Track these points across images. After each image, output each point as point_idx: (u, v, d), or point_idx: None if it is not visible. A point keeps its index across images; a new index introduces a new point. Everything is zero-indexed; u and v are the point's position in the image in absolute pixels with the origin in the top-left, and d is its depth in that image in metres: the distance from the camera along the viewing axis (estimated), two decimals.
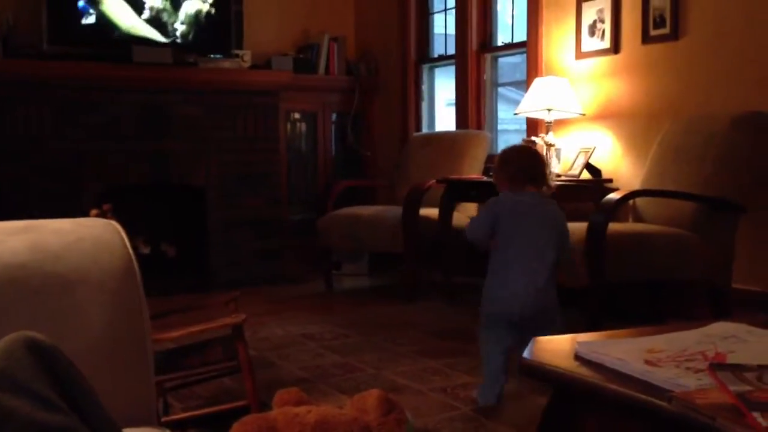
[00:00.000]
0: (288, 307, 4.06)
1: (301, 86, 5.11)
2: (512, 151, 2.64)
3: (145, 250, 4.54)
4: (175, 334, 2.05)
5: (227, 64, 4.69)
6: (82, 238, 1.28)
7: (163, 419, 2.16)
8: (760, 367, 1.06)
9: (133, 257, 1.30)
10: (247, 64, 4.77)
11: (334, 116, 5.48)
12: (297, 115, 5.36)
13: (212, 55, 4.70)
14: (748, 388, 0.98)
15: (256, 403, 2.14)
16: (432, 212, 4.12)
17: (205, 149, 4.59)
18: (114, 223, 1.34)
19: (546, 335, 1.61)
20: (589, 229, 2.92)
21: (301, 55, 5.25)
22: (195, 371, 2.22)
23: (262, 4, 5.12)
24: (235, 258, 4.65)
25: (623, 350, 1.23)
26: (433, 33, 5.35)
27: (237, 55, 4.74)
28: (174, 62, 4.49)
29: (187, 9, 4.63)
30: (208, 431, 2.24)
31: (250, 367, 2.14)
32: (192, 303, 2.48)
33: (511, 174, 2.52)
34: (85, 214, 1.92)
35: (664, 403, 1.02)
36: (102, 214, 2.10)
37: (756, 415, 0.90)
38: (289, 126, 5.30)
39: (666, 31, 3.65)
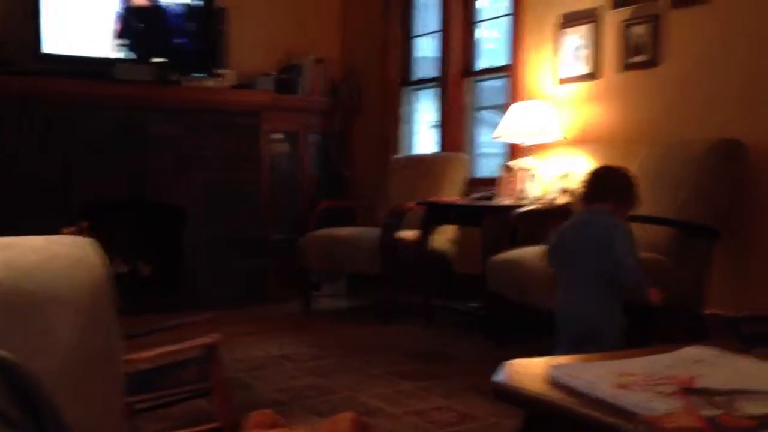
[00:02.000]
0: (266, 328, 4.03)
1: (283, 107, 5.12)
2: (590, 171, 2.68)
3: (123, 269, 4.50)
4: (148, 354, 2.02)
5: (210, 83, 4.69)
6: (56, 255, 1.26)
7: None
8: (730, 391, 1.07)
9: (108, 276, 1.29)
10: (230, 84, 4.77)
11: (316, 137, 5.49)
12: (279, 135, 5.36)
13: (195, 74, 4.70)
14: (717, 412, 0.99)
15: (229, 425, 2.11)
16: (411, 234, 4.13)
17: (187, 168, 4.57)
18: (90, 240, 1.32)
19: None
20: None
21: (284, 76, 5.26)
22: (168, 392, 2.18)
23: (247, 24, 5.14)
24: (214, 277, 4.62)
25: (596, 374, 1.24)
26: (416, 56, 5.39)
27: (220, 75, 4.74)
28: (156, 80, 4.48)
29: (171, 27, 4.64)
30: None
31: (224, 388, 2.12)
32: (168, 323, 2.45)
33: (581, 192, 2.60)
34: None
35: (632, 427, 1.02)
36: (79, 232, 2.08)
37: None
38: (271, 146, 5.30)
39: (645, 58, 3.70)
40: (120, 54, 4.48)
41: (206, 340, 2.12)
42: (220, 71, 4.75)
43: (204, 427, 2.20)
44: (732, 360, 1.28)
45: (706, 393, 1.06)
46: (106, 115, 4.35)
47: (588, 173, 2.65)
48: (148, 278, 4.67)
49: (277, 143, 5.36)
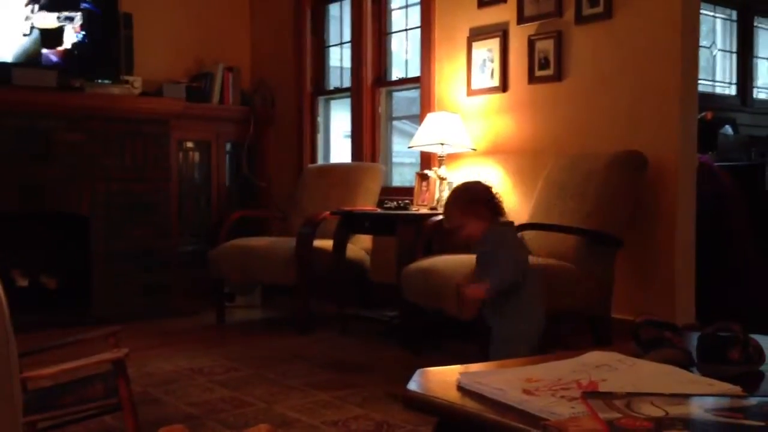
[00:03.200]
0: (177, 341, 3.93)
1: (194, 115, 5.03)
2: (484, 188, 2.63)
3: (23, 283, 4.30)
4: (49, 371, 1.94)
5: (116, 90, 4.55)
6: None
7: None
8: (629, 394, 1.11)
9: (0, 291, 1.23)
10: (137, 91, 4.65)
11: (228, 146, 5.42)
12: (190, 144, 5.26)
13: (100, 81, 4.55)
14: (617, 415, 1.03)
15: None
16: (326, 244, 4.12)
17: (90, 177, 4.41)
18: None
19: None
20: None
21: (195, 84, 5.17)
22: (72, 410, 2.10)
23: (153, 29, 5.02)
24: (120, 291, 4.47)
25: (503, 380, 1.27)
26: (328, 66, 5.40)
27: (126, 81, 4.61)
28: (58, 86, 4.31)
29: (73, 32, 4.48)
30: None
31: (132, 404, 2.06)
32: (70, 338, 2.36)
33: (493, 208, 2.55)
34: None
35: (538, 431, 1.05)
36: None
37: None
38: (181, 155, 5.19)
39: (550, 72, 3.83)
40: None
41: (112, 354, 2.05)
42: (126, 78, 4.62)
43: None
44: (632, 364, 1.34)
45: (607, 397, 1.10)
46: (4, 122, 4.15)
47: (485, 189, 2.63)
48: (53, 292, 4.48)
49: (188, 152, 5.26)
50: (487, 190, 2.61)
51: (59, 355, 2.17)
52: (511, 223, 2.80)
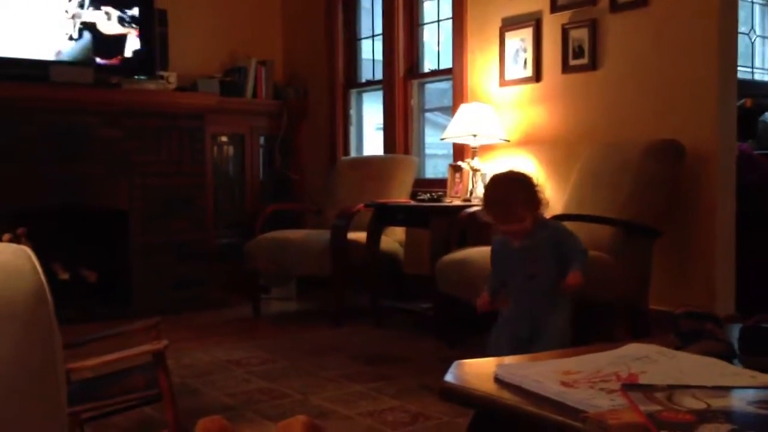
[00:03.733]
0: (214, 333, 3.99)
1: (228, 109, 5.07)
2: (527, 175, 2.62)
3: (64, 276, 4.38)
4: (91, 362, 1.98)
5: (152, 85, 4.61)
6: None
7: None
8: (670, 387, 1.10)
9: (45, 283, 1.25)
10: (172, 86, 4.70)
11: (262, 139, 5.46)
12: (224, 138, 5.31)
13: (136, 77, 4.62)
14: (657, 407, 1.02)
15: None
16: (360, 236, 4.13)
17: (128, 172, 4.48)
18: (24, 248, 1.29)
19: None
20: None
21: (228, 78, 5.21)
22: (114, 401, 2.14)
23: (187, 25, 5.07)
24: (158, 284, 4.54)
25: (541, 372, 1.26)
26: (360, 58, 5.40)
27: (162, 77, 4.66)
28: (95, 83, 4.38)
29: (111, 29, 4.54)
30: None
31: (172, 395, 2.09)
32: (112, 330, 2.41)
33: (541, 197, 2.53)
34: None
35: (578, 424, 1.05)
36: (15, 239, 2.03)
37: None
38: (215, 149, 5.24)
39: (584, 61, 3.79)
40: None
41: (152, 346, 2.08)
42: (162, 74, 4.67)
43: None
44: (671, 356, 1.33)
45: (647, 389, 1.09)
46: (43, 119, 4.23)
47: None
48: (93, 285, 4.56)
49: (222, 146, 5.31)
50: (534, 180, 2.59)
51: (100, 347, 2.21)
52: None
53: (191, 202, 4.70)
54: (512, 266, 2.59)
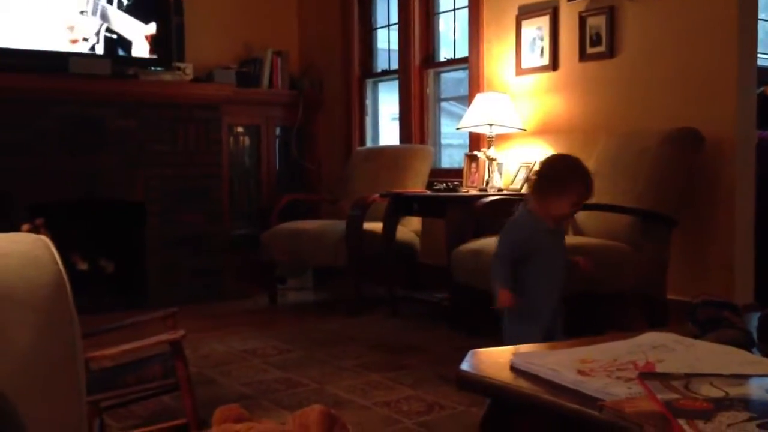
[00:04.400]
0: (230, 323, 4.01)
1: (244, 100, 5.08)
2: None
3: (83, 266, 4.43)
4: (110, 352, 2.00)
5: (168, 76, 4.63)
6: (7, 254, 1.24)
7: None
8: (687, 375, 1.09)
9: (64, 273, 1.27)
10: (188, 77, 4.72)
11: (278, 130, 5.46)
12: (240, 129, 5.33)
13: (153, 68, 4.63)
14: (675, 396, 1.01)
15: (195, 421, 2.10)
16: (376, 226, 4.14)
17: (144, 163, 4.51)
18: (43, 238, 1.30)
19: None
20: None
21: (244, 69, 5.22)
22: (132, 389, 2.16)
23: (203, 16, 5.08)
24: (174, 274, 4.57)
25: (557, 361, 1.26)
26: (376, 48, 5.39)
27: (178, 68, 4.68)
28: (112, 74, 4.40)
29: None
30: None
31: (189, 384, 2.10)
32: (129, 320, 2.43)
33: None
34: (17, 230, 1.86)
35: (594, 412, 1.04)
36: (34, 229, 2.05)
37: (682, 422, 0.92)
38: (231, 140, 5.26)
39: (602, 49, 3.75)
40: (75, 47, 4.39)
41: (170, 336, 2.10)
42: (179, 65, 4.69)
43: (170, 424, 2.18)
44: (689, 345, 1.32)
45: (664, 377, 1.08)
46: (61, 110, 4.26)
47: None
48: (111, 276, 4.60)
49: (238, 137, 5.33)
50: None
51: (118, 336, 2.23)
52: None
53: (207, 193, 4.72)
54: (548, 250, 2.50)
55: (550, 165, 2.53)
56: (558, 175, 2.45)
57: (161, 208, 4.56)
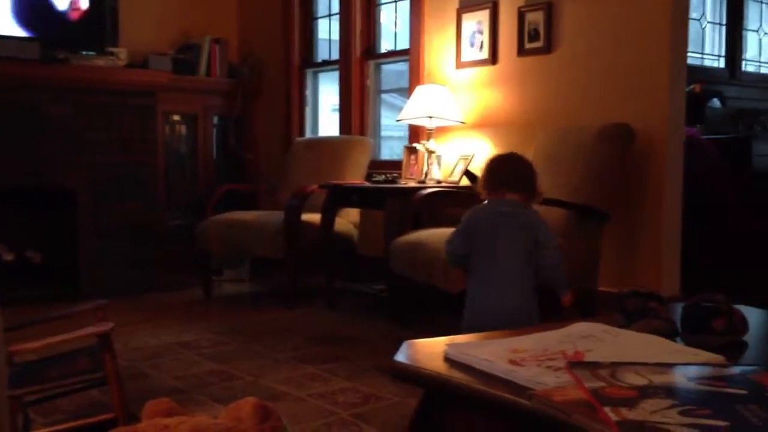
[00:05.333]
0: (164, 316, 3.93)
1: (180, 87, 4.98)
2: (493, 158, 2.53)
3: (8, 257, 4.27)
4: (34, 345, 1.93)
5: (101, 62, 4.49)
6: None
7: None
8: (614, 364, 1.12)
9: None
10: (122, 63, 4.59)
11: (215, 119, 5.37)
12: (177, 117, 5.21)
13: (85, 52, 4.49)
14: (601, 384, 1.03)
15: (124, 416, 2.04)
16: (314, 217, 4.11)
17: (77, 151, 4.36)
18: None
19: None
20: None
21: (181, 56, 5.11)
22: (58, 384, 2.10)
23: (138, 0, 4.95)
24: (107, 265, 4.45)
25: (490, 351, 1.27)
26: (317, 38, 5.35)
27: (112, 53, 4.54)
28: (42, 59, 4.24)
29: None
30: None
31: (118, 378, 2.05)
32: (57, 312, 2.35)
33: (486, 181, 2.44)
34: None
35: (525, 401, 1.05)
36: None
37: (607, 409, 0.94)
38: (168, 128, 5.15)
39: (540, 44, 3.81)
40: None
41: (98, 328, 2.04)
42: (112, 50, 4.55)
43: (97, 419, 2.12)
44: (616, 334, 1.35)
45: (592, 366, 1.10)
46: None
47: (494, 160, 2.52)
48: (39, 266, 4.45)
49: (175, 125, 5.22)
50: (500, 163, 2.50)
51: (45, 329, 2.15)
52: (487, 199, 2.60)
53: (142, 182, 4.60)
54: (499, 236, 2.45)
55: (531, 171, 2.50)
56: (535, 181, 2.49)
57: (94, 197, 4.43)
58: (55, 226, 4.53)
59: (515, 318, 2.28)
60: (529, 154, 3.60)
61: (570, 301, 2.48)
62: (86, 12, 4.45)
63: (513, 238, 2.38)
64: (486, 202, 2.46)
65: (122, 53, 4.59)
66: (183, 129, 5.26)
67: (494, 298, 2.36)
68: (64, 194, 4.40)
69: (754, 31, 5.70)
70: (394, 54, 4.81)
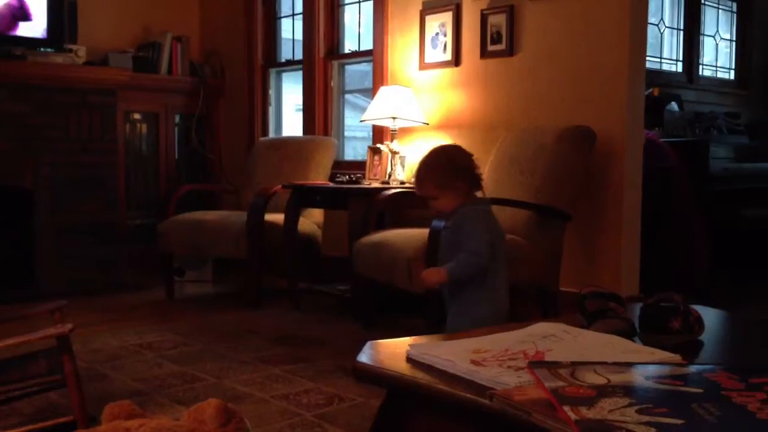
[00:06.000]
0: (124, 317, 3.87)
1: (141, 86, 4.92)
2: (451, 151, 2.41)
3: None
4: None
5: (60, 59, 4.41)
6: None
7: None
8: (573, 363, 1.13)
9: None
10: (81, 60, 4.51)
11: (177, 118, 5.31)
12: (137, 116, 5.15)
13: (43, 49, 4.40)
14: (561, 384, 1.05)
15: (83, 419, 2.01)
16: (277, 218, 4.09)
17: (34, 149, 4.28)
18: None
19: None
20: (431, 235, 2.97)
21: (141, 54, 5.04)
22: (15, 386, 2.05)
23: None
24: (66, 265, 4.37)
25: (451, 351, 1.28)
26: (280, 37, 5.32)
27: (70, 50, 4.46)
28: None
29: None
30: None
31: (77, 380, 2.01)
32: (13, 313, 2.30)
33: (465, 178, 2.32)
34: None
35: (485, 401, 1.07)
36: None
37: (566, 408, 0.96)
38: (128, 127, 5.08)
39: (502, 47, 3.84)
40: None
41: (56, 330, 2.00)
42: (71, 46, 4.47)
43: (56, 422, 2.09)
44: (576, 334, 1.37)
45: (552, 366, 1.12)
46: None
47: (454, 152, 2.41)
48: None
49: (135, 124, 5.15)
50: (468, 158, 2.37)
51: (2, 330, 2.11)
52: (488, 199, 2.54)
53: (102, 182, 4.53)
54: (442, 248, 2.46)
55: (448, 157, 2.39)
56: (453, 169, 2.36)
57: (52, 197, 4.34)
58: (10, 226, 4.43)
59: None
60: (491, 154, 3.65)
61: (430, 278, 2.32)
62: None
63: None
64: (480, 200, 2.41)
65: (81, 50, 4.51)
66: (144, 128, 5.19)
67: (506, 298, 2.43)
68: (21, 193, 4.31)
69: (710, 36, 5.84)
70: (357, 54, 4.81)
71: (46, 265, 4.33)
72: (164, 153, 5.22)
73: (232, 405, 1.98)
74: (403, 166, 4.12)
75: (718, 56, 5.95)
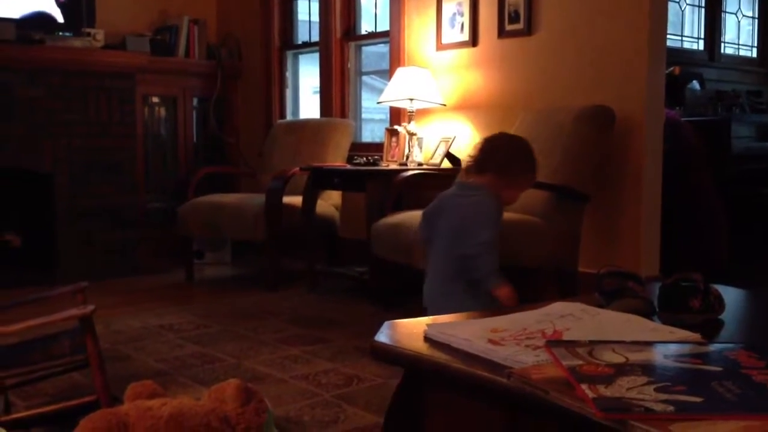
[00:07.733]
0: (145, 299, 3.92)
1: (159, 69, 4.93)
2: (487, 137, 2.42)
3: None
4: (15, 327, 1.92)
5: (77, 43, 4.43)
6: None
7: (2, 419, 2.03)
8: (591, 342, 1.13)
9: None
10: (99, 44, 4.53)
11: (195, 101, 5.33)
12: (156, 99, 5.17)
13: (61, 33, 4.42)
14: (579, 362, 1.05)
15: (106, 398, 2.04)
16: (295, 200, 4.10)
17: (53, 133, 4.31)
18: None
19: None
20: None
21: (159, 37, 5.05)
22: (40, 366, 2.09)
23: None
24: (87, 249, 4.42)
25: (469, 331, 1.28)
26: (297, 19, 5.31)
27: (88, 34, 4.48)
28: (17, 39, 4.18)
29: None
30: (54, 429, 2.12)
31: (100, 360, 2.05)
32: (36, 295, 2.34)
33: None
34: None
35: (503, 380, 1.07)
36: None
37: (584, 386, 0.96)
38: (147, 110, 5.10)
39: (520, 26, 3.81)
40: None
41: (79, 311, 2.03)
42: (89, 30, 4.49)
43: (79, 401, 2.12)
44: (594, 314, 1.36)
45: (570, 345, 1.12)
46: None
47: (481, 140, 2.42)
48: (18, 250, 4.41)
49: (154, 107, 5.17)
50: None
51: (25, 312, 2.14)
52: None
53: (120, 165, 4.56)
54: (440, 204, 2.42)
55: (507, 150, 2.36)
56: (517, 163, 2.35)
57: (71, 180, 4.38)
58: (32, 210, 4.48)
59: (436, 306, 2.27)
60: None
61: (507, 294, 2.21)
62: None
63: (445, 225, 2.30)
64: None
65: (99, 34, 4.53)
66: (162, 111, 5.22)
67: (428, 285, 2.39)
68: (41, 177, 4.36)
69: (732, 13, 5.74)
70: (374, 36, 4.79)
71: (66, 248, 4.38)
72: (182, 136, 5.24)
73: (252, 385, 2.00)
74: (420, 148, 4.11)
75: (740, 34, 5.85)
